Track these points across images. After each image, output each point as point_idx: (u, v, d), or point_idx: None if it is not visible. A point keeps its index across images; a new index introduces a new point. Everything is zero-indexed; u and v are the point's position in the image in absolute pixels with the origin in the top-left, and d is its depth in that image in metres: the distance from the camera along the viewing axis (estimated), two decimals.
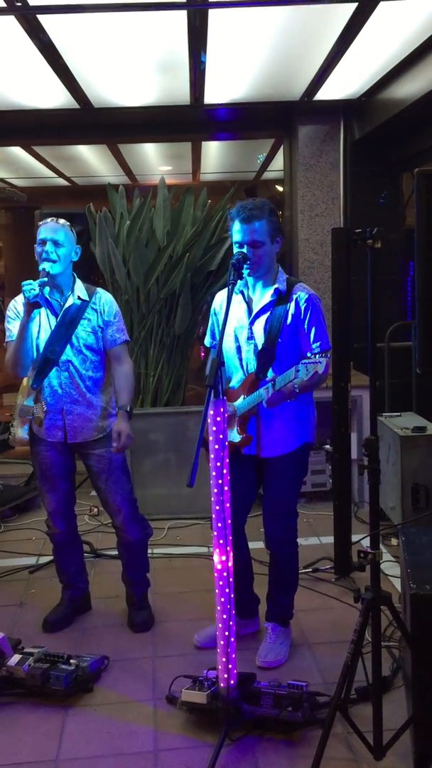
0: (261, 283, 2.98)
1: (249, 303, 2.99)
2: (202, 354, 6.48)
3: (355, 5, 3.41)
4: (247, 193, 9.08)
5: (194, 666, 2.96)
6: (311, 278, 5.51)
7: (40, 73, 4.26)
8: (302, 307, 2.90)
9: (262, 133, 6.24)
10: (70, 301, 3.19)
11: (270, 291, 2.95)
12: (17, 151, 6.75)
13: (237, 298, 2.99)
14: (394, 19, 3.57)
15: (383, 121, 4.80)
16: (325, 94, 4.94)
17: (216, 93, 4.86)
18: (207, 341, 3.27)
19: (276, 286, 2.94)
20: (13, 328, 3.17)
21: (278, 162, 7.11)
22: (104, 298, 3.28)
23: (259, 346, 2.93)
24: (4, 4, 3.25)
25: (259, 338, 2.93)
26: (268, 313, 2.93)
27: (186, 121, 5.61)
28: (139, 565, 3.47)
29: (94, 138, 6.21)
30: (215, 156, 7.40)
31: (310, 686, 2.69)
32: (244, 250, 2.84)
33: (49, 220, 3.18)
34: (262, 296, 2.97)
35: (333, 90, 4.86)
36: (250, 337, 2.95)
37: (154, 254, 4.82)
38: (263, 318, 2.93)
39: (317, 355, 2.66)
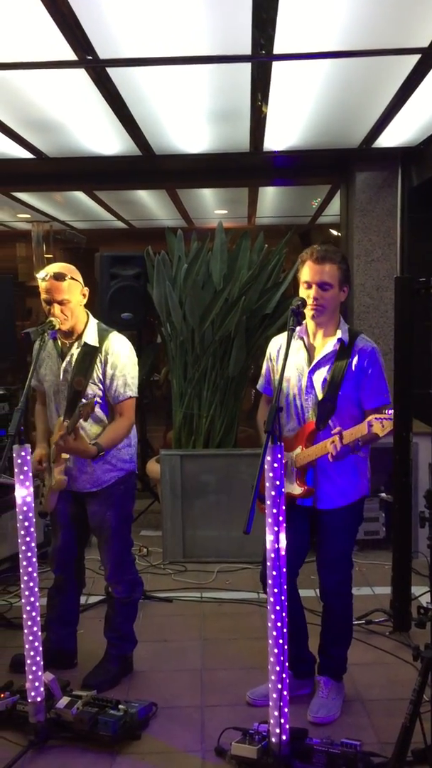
0: (322, 331, 2.92)
1: (310, 351, 2.94)
2: (253, 391, 6.45)
3: (418, 57, 3.44)
4: (301, 237, 9.14)
5: (244, 717, 2.90)
6: (366, 323, 5.48)
7: (105, 121, 4.40)
8: (366, 361, 2.84)
9: (319, 179, 6.29)
10: (76, 348, 3.11)
11: (332, 340, 2.89)
12: (79, 195, 6.96)
13: (297, 345, 2.94)
14: None
15: None
16: (383, 141, 4.96)
17: (275, 140, 4.93)
18: (260, 385, 3.19)
19: (339, 336, 2.88)
20: None
21: (334, 207, 7.16)
22: (113, 347, 3.09)
23: (319, 397, 2.86)
24: (75, 58, 3.38)
25: (319, 388, 2.87)
26: (329, 364, 2.87)
27: (244, 168, 5.71)
28: (117, 624, 3.30)
29: (154, 183, 6.37)
30: (271, 200, 7.47)
31: (363, 745, 2.60)
32: (312, 290, 2.81)
33: (45, 276, 3.02)
34: (324, 345, 2.91)
35: (391, 138, 4.88)
36: (309, 386, 2.89)
37: (210, 297, 4.86)
38: (324, 369, 2.88)
39: (387, 411, 2.60)
